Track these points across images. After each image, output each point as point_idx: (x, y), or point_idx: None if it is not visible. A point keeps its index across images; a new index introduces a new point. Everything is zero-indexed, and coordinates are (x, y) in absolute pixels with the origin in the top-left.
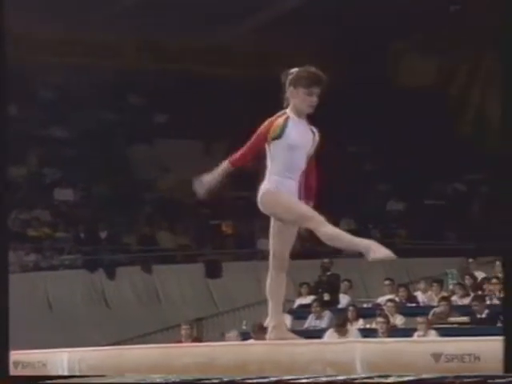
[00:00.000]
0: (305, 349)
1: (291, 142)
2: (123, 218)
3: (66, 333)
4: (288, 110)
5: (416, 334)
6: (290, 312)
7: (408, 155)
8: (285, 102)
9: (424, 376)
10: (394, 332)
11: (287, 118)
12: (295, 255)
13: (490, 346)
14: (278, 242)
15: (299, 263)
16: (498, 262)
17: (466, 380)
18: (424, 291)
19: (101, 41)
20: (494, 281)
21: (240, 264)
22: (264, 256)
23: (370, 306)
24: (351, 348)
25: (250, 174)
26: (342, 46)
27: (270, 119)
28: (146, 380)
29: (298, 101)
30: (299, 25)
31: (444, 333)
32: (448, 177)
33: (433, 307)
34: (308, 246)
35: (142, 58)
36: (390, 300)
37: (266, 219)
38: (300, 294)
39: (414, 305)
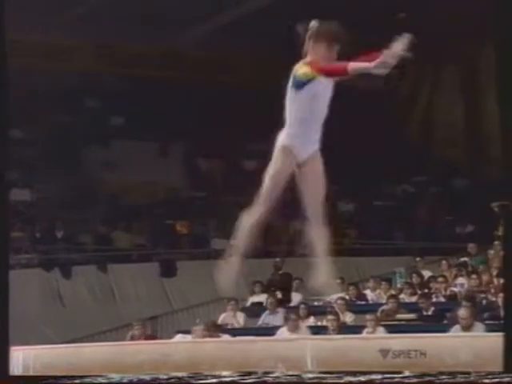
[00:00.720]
0: (257, 345)
1: (313, 92)
2: (79, 218)
3: (21, 331)
4: (308, 59)
5: (365, 330)
6: (243, 310)
7: (358, 157)
8: (303, 53)
9: (373, 377)
10: (344, 329)
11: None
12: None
13: (435, 342)
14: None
15: (252, 262)
16: (443, 261)
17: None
18: (373, 289)
19: (57, 44)
20: (440, 279)
21: (195, 263)
22: (219, 255)
23: (321, 303)
24: (302, 344)
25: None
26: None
27: (303, 69)
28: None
29: (318, 56)
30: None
31: (392, 330)
32: (397, 178)
33: (381, 305)
34: (260, 246)
35: (97, 62)
36: (340, 298)
37: (221, 219)
38: (253, 293)
39: (363, 303)
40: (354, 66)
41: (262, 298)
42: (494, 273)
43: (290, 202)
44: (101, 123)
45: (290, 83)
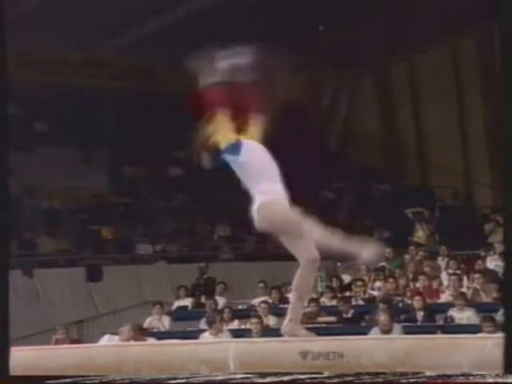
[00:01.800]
0: (180, 348)
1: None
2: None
3: None
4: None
5: None
6: (169, 314)
7: (280, 165)
8: None
9: (297, 376)
10: (267, 332)
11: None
12: (173, 260)
13: (352, 344)
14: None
15: (177, 267)
16: (362, 266)
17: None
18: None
19: None
20: (359, 283)
21: (120, 268)
22: (144, 260)
23: (244, 307)
24: (225, 347)
25: (131, 182)
26: None
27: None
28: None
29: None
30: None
31: (313, 332)
32: (317, 185)
33: None
34: (186, 251)
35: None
36: (263, 301)
37: (145, 225)
38: (178, 297)
39: (285, 306)
40: None
41: (187, 302)
42: (410, 277)
43: (214, 207)
44: (25, 130)
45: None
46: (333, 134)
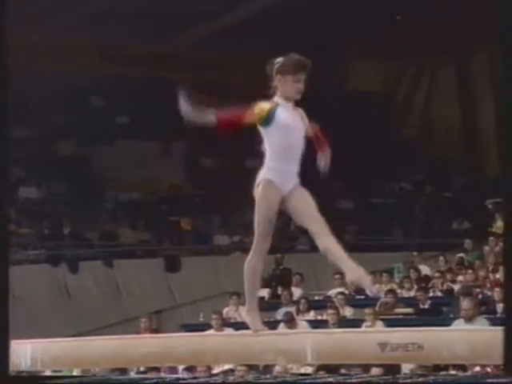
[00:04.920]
0: (258, 339)
1: (284, 124)
2: (86, 215)
3: (31, 324)
4: (276, 98)
5: (364, 324)
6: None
7: (357, 157)
8: (271, 90)
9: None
10: (343, 323)
11: (276, 105)
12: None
13: (432, 336)
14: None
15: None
16: (440, 257)
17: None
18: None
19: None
20: (437, 274)
21: (198, 259)
22: (221, 251)
23: (321, 298)
24: (302, 338)
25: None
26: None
27: (259, 106)
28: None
29: (286, 88)
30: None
31: (390, 323)
32: (395, 177)
33: (380, 299)
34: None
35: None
36: (339, 293)
37: (222, 216)
38: None
39: (362, 297)
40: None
41: (264, 292)
42: (490, 268)
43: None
44: (106, 123)
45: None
46: (410, 125)
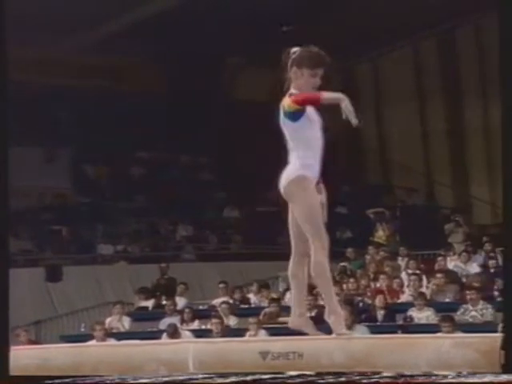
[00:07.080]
0: (139, 349)
1: (312, 118)
2: None
3: None
4: (292, 90)
5: (248, 333)
6: (129, 314)
7: (243, 165)
8: (286, 82)
9: (260, 376)
10: (227, 332)
11: None
12: (134, 260)
13: (312, 344)
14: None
15: (138, 267)
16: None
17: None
18: (256, 293)
19: None
20: None
21: (80, 268)
22: (104, 260)
23: (205, 307)
24: (184, 348)
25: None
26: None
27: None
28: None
29: (302, 82)
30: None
31: (274, 332)
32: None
33: (263, 308)
34: (147, 251)
35: None
36: (224, 302)
37: (106, 225)
38: (139, 297)
39: (246, 306)
40: (326, 96)
41: (148, 302)
42: (371, 276)
43: (177, 207)
44: None
45: (282, 116)
46: None
